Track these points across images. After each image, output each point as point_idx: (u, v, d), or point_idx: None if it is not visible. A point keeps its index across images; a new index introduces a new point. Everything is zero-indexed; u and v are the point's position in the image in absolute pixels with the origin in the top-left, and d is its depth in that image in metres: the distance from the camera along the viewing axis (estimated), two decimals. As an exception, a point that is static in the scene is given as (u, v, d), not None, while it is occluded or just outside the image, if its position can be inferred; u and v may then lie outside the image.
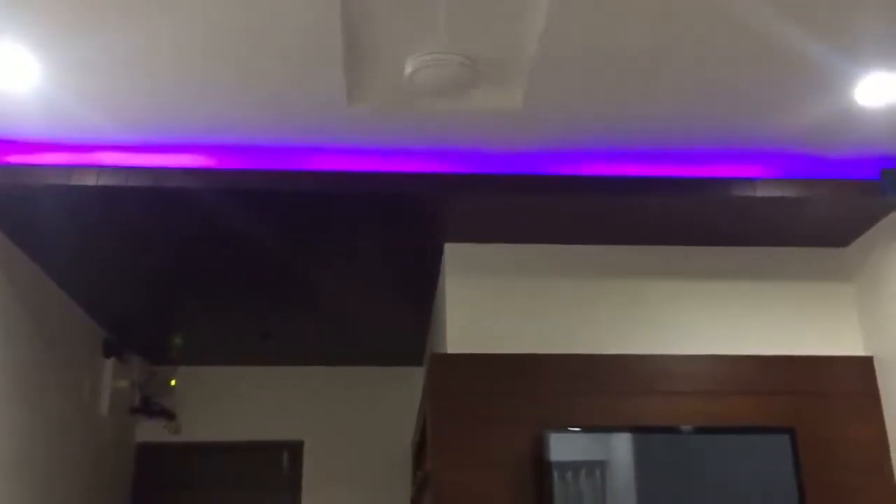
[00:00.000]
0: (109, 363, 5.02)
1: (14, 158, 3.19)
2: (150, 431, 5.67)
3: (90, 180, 3.20)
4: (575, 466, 3.31)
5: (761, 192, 3.39)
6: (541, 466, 3.31)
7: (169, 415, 5.66)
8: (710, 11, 2.52)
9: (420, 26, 2.58)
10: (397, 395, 5.71)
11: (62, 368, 4.41)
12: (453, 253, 3.81)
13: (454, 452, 3.41)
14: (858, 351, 3.73)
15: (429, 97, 2.63)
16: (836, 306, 3.79)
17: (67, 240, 3.72)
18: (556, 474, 3.27)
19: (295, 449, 5.77)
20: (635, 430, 3.38)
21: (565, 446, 3.33)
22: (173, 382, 5.73)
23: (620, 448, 3.36)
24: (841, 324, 3.77)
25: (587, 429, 3.39)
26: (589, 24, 2.57)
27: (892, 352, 3.54)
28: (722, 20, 2.56)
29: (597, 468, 3.33)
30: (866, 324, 3.73)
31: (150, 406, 5.58)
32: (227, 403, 5.77)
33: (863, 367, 3.64)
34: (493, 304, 3.72)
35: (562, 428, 3.36)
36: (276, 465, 5.78)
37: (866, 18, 2.56)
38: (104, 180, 3.20)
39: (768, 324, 3.74)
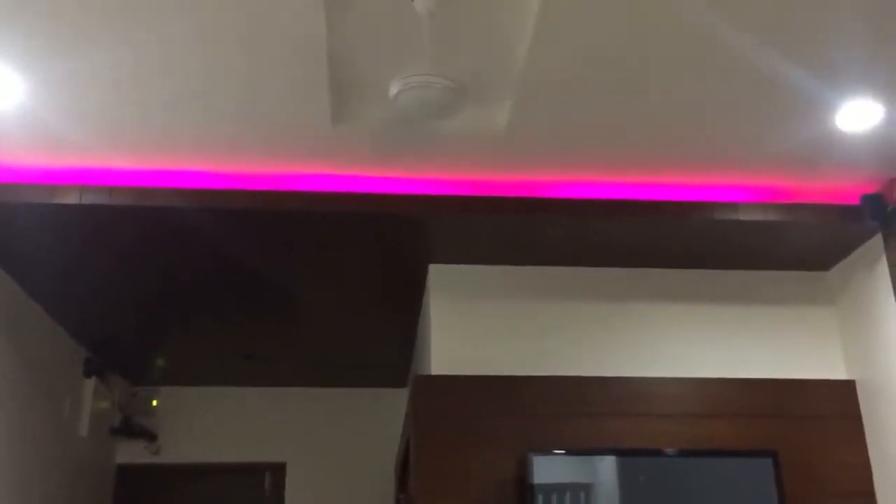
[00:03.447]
0: (90, 383, 4.97)
1: (-4, 176, 3.19)
2: (131, 452, 5.61)
3: (72, 198, 3.19)
4: (559, 489, 3.30)
5: (744, 215, 3.41)
6: (525, 489, 3.30)
7: (150, 436, 5.60)
8: (694, 37, 2.55)
9: (405, 48, 2.59)
10: (381, 417, 5.68)
11: (41, 388, 4.37)
12: (438, 274, 3.80)
13: (437, 475, 3.39)
14: (840, 375, 3.74)
15: (414, 119, 2.64)
16: (818, 330, 3.81)
17: (49, 258, 3.69)
18: (540, 497, 3.25)
19: (277, 471, 5.72)
20: (619, 452, 3.38)
21: (549, 469, 3.31)
22: (155, 403, 5.68)
23: (605, 470, 3.35)
24: (823, 347, 3.78)
25: (571, 451, 3.38)
26: (573, 47, 2.59)
27: (874, 376, 3.56)
28: (706, 47, 2.59)
29: (581, 491, 3.32)
30: (848, 348, 3.75)
31: (131, 427, 5.53)
32: (209, 424, 5.72)
33: (845, 391, 3.66)
34: (477, 326, 3.71)
35: (546, 450, 3.35)
36: (259, 487, 5.73)
37: (847, 47, 2.59)
38: (87, 198, 3.19)
39: (750, 347, 3.75)
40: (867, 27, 2.50)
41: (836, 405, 3.63)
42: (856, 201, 3.43)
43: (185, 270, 3.88)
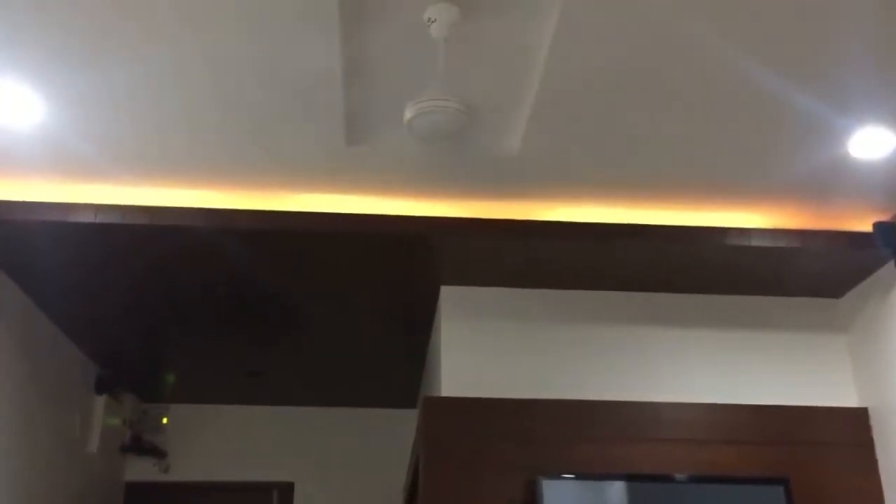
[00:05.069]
0: (101, 400, 4.97)
1: (12, 194, 3.21)
2: (140, 470, 5.60)
3: (87, 217, 3.22)
4: (568, 514, 3.29)
5: (756, 241, 3.41)
6: (533, 513, 3.28)
7: (159, 453, 5.60)
8: (707, 65, 2.57)
9: (420, 72, 2.61)
10: (390, 437, 5.65)
11: (53, 404, 4.38)
12: (449, 296, 3.81)
13: (446, 497, 3.38)
14: (852, 402, 3.72)
15: (427, 142, 2.66)
16: (829, 357, 3.79)
17: (63, 275, 3.72)
18: (548, 522, 3.23)
19: (285, 490, 5.70)
20: (629, 478, 3.36)
21: (558, 493, 3.30)
22: (165, 420, 5.69)
23: (614, 495, 3.33)
24: (835, 375, 3.76)
25: (581, 476, 3.36)
26: (585, 73, 2.61)
27: (886, 403, 3.53)
28: (719, 74, 2.60)
29: (590, 516, 3.31)
30: (860, 375, 3.73)
31: (141, 444, 5.53)
32: (218, 443, 5.72)
33: (857, 419, 3.63)
34: (488, 348, 3.71)
35: (555, 474, 3.33)
36: (267, 506, 5.72)
37: (860, 75, 2.60)
38: (102, 217, 3.22)
39: (762, 373, 3.73)
40: (880, 55, 2.51)
41: (847, 433, 3.61)
42: (868, 229, 3.42)
43: (196, 289, 3.90)
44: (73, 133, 2.90)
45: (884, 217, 3.42)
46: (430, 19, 2.38)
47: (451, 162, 3.11)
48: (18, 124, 2.85)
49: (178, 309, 4.18)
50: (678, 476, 3.38)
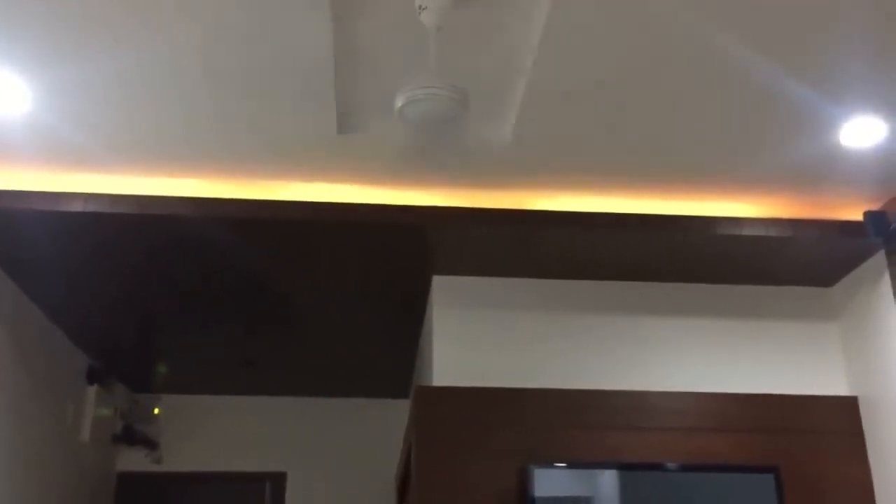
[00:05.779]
0: (92, 390, 4.97)
1: (1, 182, 3.19)
2: (132, 460, 5.60)
3: (77, 206, 3.20)
4: (560, 502, 3.29)
5: (747, 230, 3.41)
6: (525, 502, 3.29)
7: (151, 444, 5.60)
8: (700, 55, 2.56)
9: (411, 61, 2.60)
10: (382, 427, 5.67)
11: (44, 394, 4.37)
12: (441, 285, 3.81)
13: (438, 486, 3.38)
14: (843, 391, 3.73)
15: (419, 131, 2.65)
16: (820, 346, 3.81)
17: (53, 264, 3.70)
18: (540, 510, 3.24)
19: (278, 480, 5.71)
20: (620, 466, 3.37)
21: (550, 482, 3.31)
22: (157, 411, 5.68)
23: (605, 484, 3.34)
24: (825, 363, 3.78)
25: (572, 464, 3.37)
26: (578, 62, 2.61)
27: (876, 392, 3.55)
28: (711, 63, 2.60)
29: (581, 504, 3.32)
30: (851, 364, 3.74)
31: (133, 434, 5.53)
32: (210, 433, 5.72)
33: (847, 407, 3.65)
34: (480, 338, 3.71)
35: (547, 463, 3.34)
36: (259, 496, 5.71)
37: (852, 64, 2.60)
38: (91, 206, 3.20)
39: (753, 362, 3.75)
40: (871, 45, 2.51)
41: (838, 421, 3.63)
42: (859, 218, 3.43)
43: (187, 278, 3.88)
44: (63, 121, 2.89)
45: (875, 206, 3.43)
46: (420, 6, 2.36)
47: (443, 151, 3.10)
48: (7, 112, 2.83)
49: (169, 299, 4.16)
50: (669, 464, 3.40)
